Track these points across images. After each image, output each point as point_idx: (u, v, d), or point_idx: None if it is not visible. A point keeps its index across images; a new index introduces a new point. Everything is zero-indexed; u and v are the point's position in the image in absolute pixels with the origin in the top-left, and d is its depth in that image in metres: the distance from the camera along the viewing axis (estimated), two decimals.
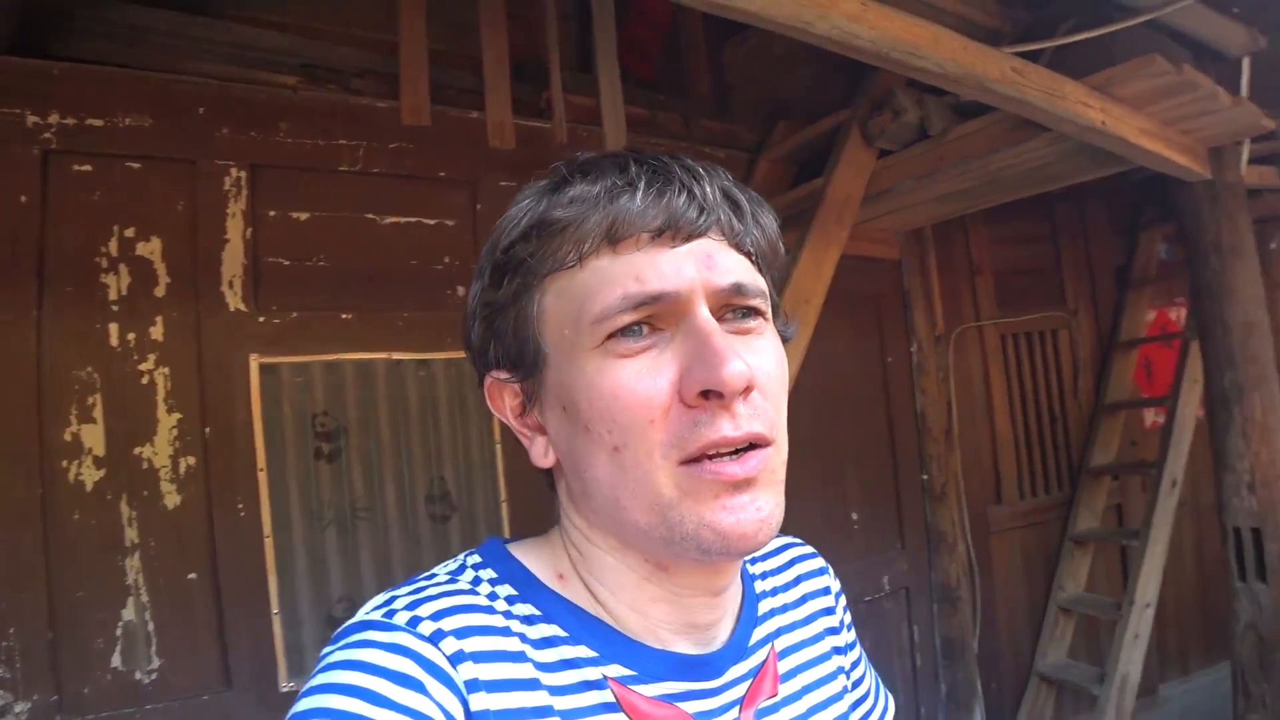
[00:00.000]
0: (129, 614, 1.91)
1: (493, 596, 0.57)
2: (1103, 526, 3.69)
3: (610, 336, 0.54)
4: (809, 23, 1.60)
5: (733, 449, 0.53)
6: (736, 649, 0.63)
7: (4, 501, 1.81)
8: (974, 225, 3.62)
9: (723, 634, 0.63)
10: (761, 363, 0.56)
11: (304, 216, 2.22)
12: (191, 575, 1.99)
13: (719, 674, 0.60)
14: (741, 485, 0.53)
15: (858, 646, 0.77)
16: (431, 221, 2.41)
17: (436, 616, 0.53)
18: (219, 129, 2.12)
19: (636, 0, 2.91)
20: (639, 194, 0.55)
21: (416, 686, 0.49)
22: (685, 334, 0.54)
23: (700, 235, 0.56)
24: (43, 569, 1.82)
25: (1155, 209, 3.83)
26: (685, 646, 0.60)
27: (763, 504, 0.54)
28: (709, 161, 0.59)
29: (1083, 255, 3.93)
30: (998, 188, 2.79)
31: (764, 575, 0.72)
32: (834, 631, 0.73)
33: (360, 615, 0.54)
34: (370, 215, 2.32)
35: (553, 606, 0.58)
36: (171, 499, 1.99)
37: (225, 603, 2.01)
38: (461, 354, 2.46)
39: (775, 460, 0.56)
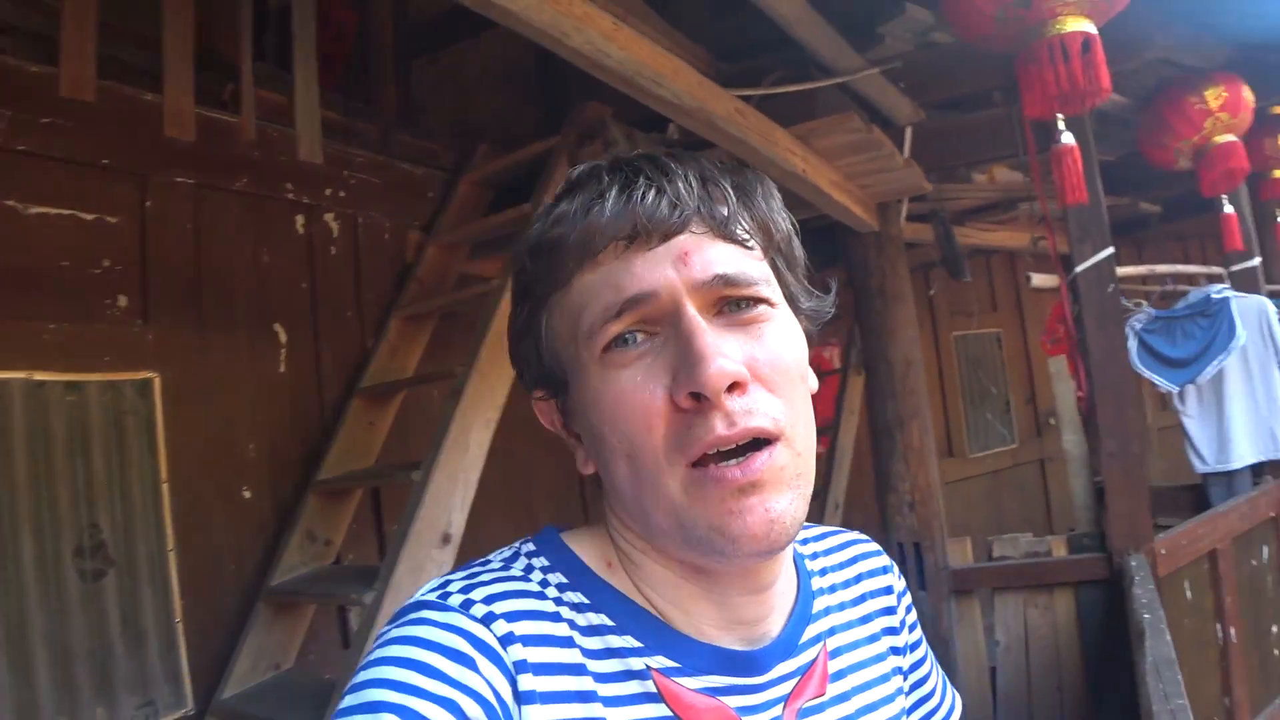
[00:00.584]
0: None
1: (544, 584, 0.58)
2: None
3: (606, 349, 0.55)
4: (565, 34, 1.50)
5: (734, 448, 0.52)
6: (785, 646, 0.62)
7: None
8: None
9: (773, 630, 0.62)
10: (762, 353, 0.54)
11: None
12: None
13: (764, 670, 0.60)
14: (748, 489, 0.52)
15: (923, 645, 0.76)
16: (89, 216, 2.05)
17: (489, 600, 0.54)
18: None
19: (322, 10, 2.63)
20: (608, 203, 0.55)
21: (468, 663, 0.50)
22: (675, 336, 0.53)
23: (679, 232, 0.55)
24: None
25: (824, 254, 4.28)
26: (731, 642, 0.60)
27: (773, 505, 0.53)
28: (690, 152, 0.59)
29: None
30: None
31: (823, 572, 0.70)
32: (893, 631, 0.72)
33: (416, 596, 0.55)
34: (11, 202, 1.95)
35: (601, 596, 0.58)
36: None
37: None
38: (123, 375, 2.00)
39: (786, 456, 0.54)
